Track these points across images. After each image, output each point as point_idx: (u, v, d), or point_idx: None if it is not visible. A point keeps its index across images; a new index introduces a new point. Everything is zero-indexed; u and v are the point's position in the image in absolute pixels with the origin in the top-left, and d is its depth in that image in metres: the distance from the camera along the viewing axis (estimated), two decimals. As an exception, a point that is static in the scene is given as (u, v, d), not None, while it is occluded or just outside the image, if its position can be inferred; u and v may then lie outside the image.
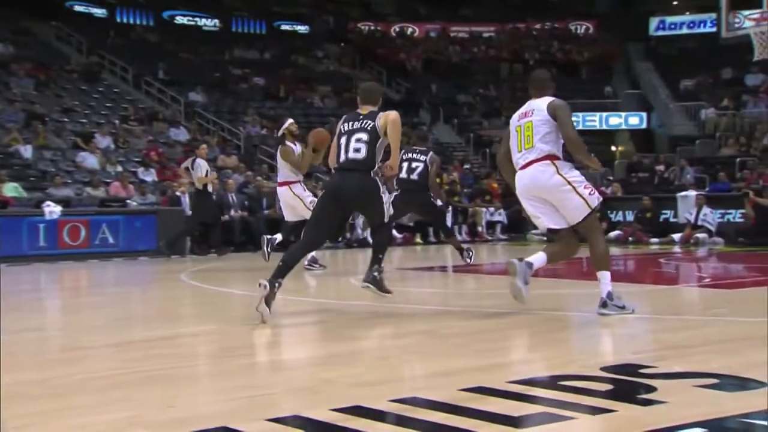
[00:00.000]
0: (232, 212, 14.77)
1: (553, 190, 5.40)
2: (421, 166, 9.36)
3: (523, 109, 5.63)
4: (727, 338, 4.77)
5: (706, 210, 14.85)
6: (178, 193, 14.67)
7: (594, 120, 25.89)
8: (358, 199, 5.80)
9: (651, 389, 3.31)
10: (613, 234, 15.69)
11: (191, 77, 23.96)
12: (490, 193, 18.19)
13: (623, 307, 5.50)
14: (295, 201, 9.91)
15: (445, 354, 4.58)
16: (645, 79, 27.26)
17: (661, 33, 29.09)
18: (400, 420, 2.96)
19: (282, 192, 10.11)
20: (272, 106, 23.74)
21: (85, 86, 21.31)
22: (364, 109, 5.92)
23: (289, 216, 10.18)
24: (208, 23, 29.10)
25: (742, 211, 14.94)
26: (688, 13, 29.02)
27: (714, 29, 23.18)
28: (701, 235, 14.60)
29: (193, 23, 28.88)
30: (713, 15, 23.67)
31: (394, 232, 16.44)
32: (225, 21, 29.28)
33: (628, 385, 3.45)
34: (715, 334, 5.04)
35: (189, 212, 14.41)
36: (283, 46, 28.30)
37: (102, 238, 13.39)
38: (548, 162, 5.39)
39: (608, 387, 3.39)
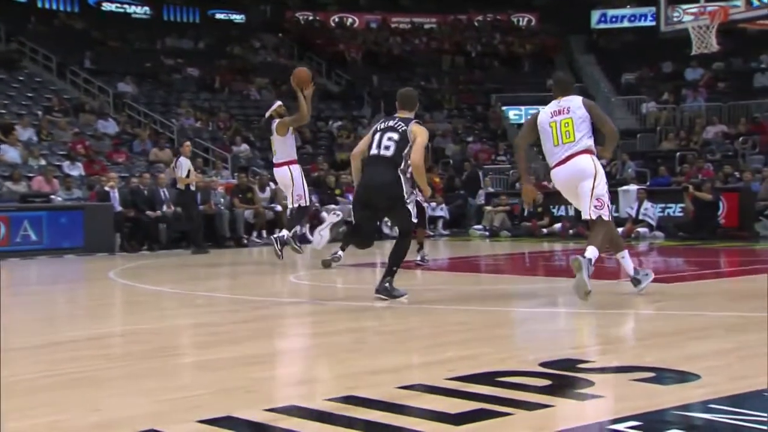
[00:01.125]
0: (165, 208, 14.55)
1: (586, 179, 6.07)
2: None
3: (554, 108, 6.27)
4: (665, 332, 4.91)
5: (647, 204, 15.23)
6: (107, 188, 14.39)
7: (537, 114, 26.25)
8: (382, 193, 6.30)
9: (588, 384, 3.40)
10: (556, 226, 16.05)
11: (120, 67, 23.46)
12: (431, 188, 18.30)
13: (587, 279, 5.72)
14: (290, 185, 9.63)
15: (384, 351, 4.61)
16: (587, 73, 27.75)
17: (602, 26, 29.66)
18: (336, 419, 2.98)
19: (280, 173, 9.76)
20: (207, 98, 23.42)
21: (3, 75, 20.68)
22: (401, 113, 6.59)
23: (291, 201, 9.85)
24: (138, 11, 28.52)
25: (682, 205, 15.38)
26: (628, 6, 29.65)
27: (654, 23, 23.77)
28: (642, 230, 14.97)
29: (121, 10, 28.25)
30: (653, 9, 24.28)
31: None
32: (156, 8, 28.73)
33: (565, 380, 3.53)
34: (654, 328, 5.19)
35: (119, 208, 14.16)
36: (218, 36, 27.93)
37: (24, 236, 13.04)
38: (589, 155, 6.10)
39: (546, 382, 3.46)
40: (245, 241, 15.10)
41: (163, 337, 5.17)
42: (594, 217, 6.08)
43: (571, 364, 3.81)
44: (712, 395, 3.16)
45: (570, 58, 29.16)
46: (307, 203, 9.86)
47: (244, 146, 20.08)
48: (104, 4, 28.04)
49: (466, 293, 7.37)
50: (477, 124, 25.25)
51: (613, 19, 29.61)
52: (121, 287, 8.63)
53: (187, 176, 12.83)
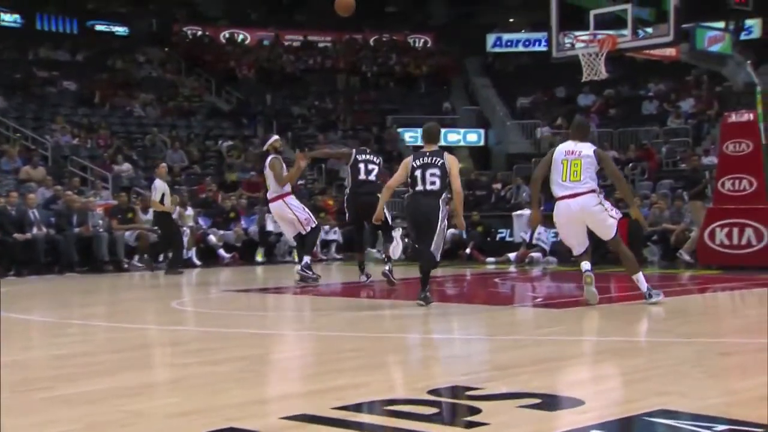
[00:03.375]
0: (35, 230, 14.00)
1: (595, 214, 7.39)
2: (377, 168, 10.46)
3: (568, 147, 7.49)
4: (553, 357, 5.07)
5: (540, 229, 15.66)
6: (-29, 209, 13.73)
7: (433, 136, 26.69)
8: (425, 214, 7.59)
9: (475, 411, 3.47)
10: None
11: (-15, 78, 22.56)
12: (325, 211, 18.30)
13: (659, 294, 7.48)
14: (290, 215, 10.07)
15: (269, 380, 4.58)
16: (483, 96, 28.48)
17: (498, 50, 30.55)
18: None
19: (276, 207, 10.22)
20: (86, 113, 22.75)
21: None
22: (428, 147, 7.80)
23: (289, 233, 10.41)
24: (7, 19, 27.47)
25: (575, 230, 15.91)
26: (523, 30, 30.66)
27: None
28: (536, 254, 15.41)
29: (-12, 18, 27.20)
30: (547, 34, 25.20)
31: (222, 251, 16.22)
32: (28, 17, 27.75)
33: (453, 407, 3.60)
34: (544, 353, 5.34)
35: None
36: (99, 48, 27.21)
37: None
38: (594, 194, 7.41)
39: (434, 410, 3.52)
40: (125, 265, 14.70)
41: (28, 369, 4.97)
42: (617, 217, 7.40)
43: (459, 391, 3.89)
44: (596, 420, 3.29)
45: (466, 80, 29.87)
46: (315, 223, 10.37)
47: (127, 165, 19.57)
48: (-32, 11, 26.91)
49: (360, 319, 7.40)
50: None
51: (508, 43, 30.51)
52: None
53: (162, 200, 13.00)
